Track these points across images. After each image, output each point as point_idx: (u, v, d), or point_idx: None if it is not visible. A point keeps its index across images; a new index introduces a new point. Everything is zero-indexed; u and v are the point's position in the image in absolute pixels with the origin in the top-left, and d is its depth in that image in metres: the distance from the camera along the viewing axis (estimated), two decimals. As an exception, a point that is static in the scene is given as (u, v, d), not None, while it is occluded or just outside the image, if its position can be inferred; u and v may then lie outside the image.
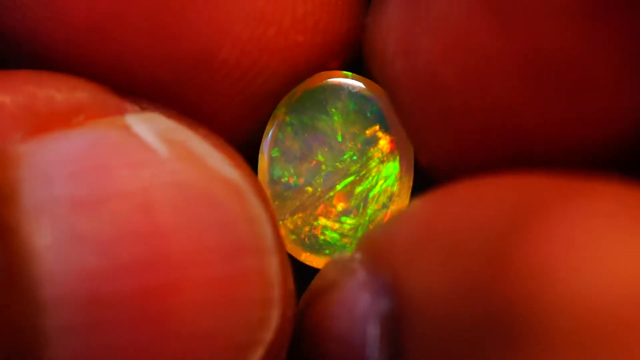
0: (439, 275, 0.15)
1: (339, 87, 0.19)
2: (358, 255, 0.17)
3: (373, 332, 0.16)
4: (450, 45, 0.17)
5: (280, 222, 0.20)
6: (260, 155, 0.20)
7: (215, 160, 0.17)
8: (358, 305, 0.17)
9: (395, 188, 0.19)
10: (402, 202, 0.19)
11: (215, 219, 0.16)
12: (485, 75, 0.17)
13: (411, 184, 0.19)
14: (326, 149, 0.20)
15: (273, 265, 0.17)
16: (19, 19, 0.18)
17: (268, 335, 0.17)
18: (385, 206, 0.19)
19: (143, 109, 0.17)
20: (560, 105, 0.16)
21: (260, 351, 0.17)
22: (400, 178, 0.19)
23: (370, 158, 0.19)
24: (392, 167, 0.19)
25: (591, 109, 0.16)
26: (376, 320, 0.16)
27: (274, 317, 0.17)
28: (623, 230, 0.14)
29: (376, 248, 0.17)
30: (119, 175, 0.16)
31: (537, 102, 0.17)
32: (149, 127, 0.17)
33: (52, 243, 0.15)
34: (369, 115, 0.19)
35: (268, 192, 0.20)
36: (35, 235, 0.15)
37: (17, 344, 0.15)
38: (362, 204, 0.19)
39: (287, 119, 0.20)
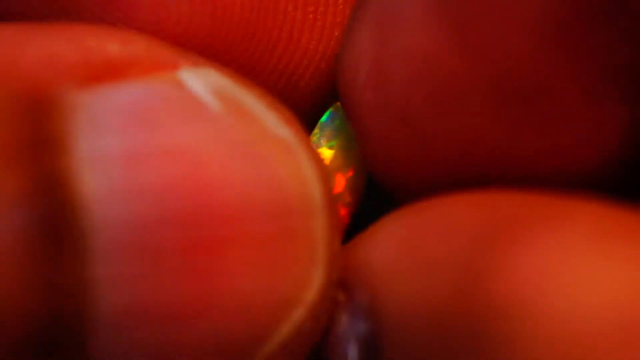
0: (414, 297, 0.15)
1: None
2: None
3: (352, 353, 0.16)
4: (419, 72, 0.17)
5: None
6: None
7: (268, 118, 0.17)
8: (337, 327, 0.17)
9: None
10: None
11: (265, 178, 0.16)
12: (453, 101, 0.17)
13: None
14: None
15: (319, 226, 0.17)
16: None
17: (310, 295, 0.17)
18: None
19: (196, 64, 0.17)
20: (528, 130, 0.16)
21: (301, 310, 0.17)
22: None
23: None
24: None
25: (560, 134, 0.16)
26: (355, 342, 0.16)
27: (317, 278, 0.17)
28: (596, 254, 0.14)
29: (353, 270, 0.17)
30: (172, 129, 0.16)
31: (505, 127, 0.17)
32: (202, 83, 0.17)
33: (104, 193, 0.15)
34: None
35: None
36: (88, 185, 0.15)
37: (64, 295, 0.15)
38: None
39: None
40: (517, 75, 0.16)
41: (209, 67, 0.17)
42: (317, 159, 0.17)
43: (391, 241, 0.17)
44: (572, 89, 0.16)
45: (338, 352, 0.17)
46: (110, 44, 0.17)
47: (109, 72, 0.17)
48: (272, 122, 0.17)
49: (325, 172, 0.18)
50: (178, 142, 0.16)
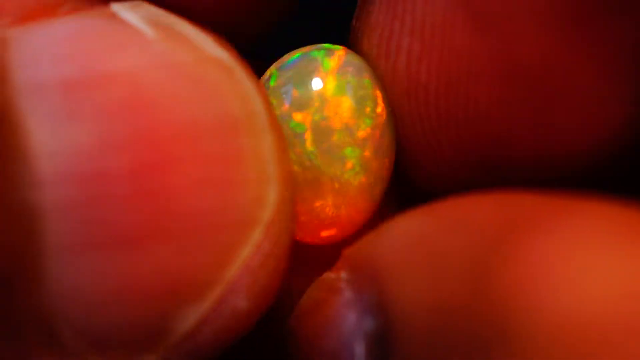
0: (424, 293, 0.15)
1: None
2: (344, 274, 0.17)
3: (360, 350, 0.16)
4: (428, 46, 0.17)
5: None
6: None
7: (203, 41, 0.17)
8: (345, 324, 0.17)
9: None
10: None
11: (207, 97, 0.16)
12: (461, 78, 0.17)
13: None
14: None
15: (267, 143, 0.17)
16: None
17: (266, 214, 0.17)
18: None
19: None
20: (533, 111, 0.17)
21: (258, 230, 0.16)
22: None
23: None
24: None
25: (567, 118, 0.17)
26: (362, 339, 0.16)
27: (271, 196, 0.17)
28: (602, 250, 0.14)
29: (361, 266, 0.17)
30: (107, 56, 0.16)
31: (511, 106, 0.17)
32: (135, 13, 0.17)
33: (46, 121, 0.15)
34: None
35: None
36: (29, 115, 0.15)
37: (12, 221, 0.15)
38: None
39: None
40: (527, 53, 0.16)
41: (138, 0, 0.17)
42: (257, 81, 0.17)
43: (401, 238, 0.17)
44: (583, 70, 0.16)
45: (345, 351, 0.16)
46: None
47: (41, 10, 0.17)
48: (207, 44, 0.17)
49: (265, 93, 0.18)
50: (115, 68, 0.16)
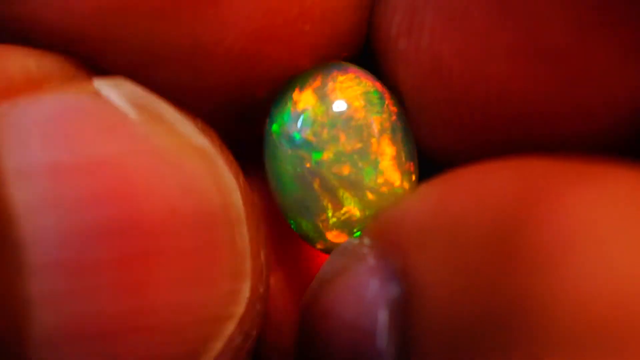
0: (447, 261, 0.15)
1: None
2: (367, 241, 0.17)
3: (382, 318, 0.16)
4: (452, 25, 0.17)
5: None
6: None
7: (185, 127, 0.17)
8: (368, 291, 0.16)
9: None
10: None
11: (186, 187, 0.16)
12: (483, 56, 0.17)
13: None
14: None
15: (243, 236, 0.16)
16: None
17: (239, 309, 0.16)
18: None
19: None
20: (557, 91, 0.17)
21: (231, 325, 0.16)
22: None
23: None
24: None
25: (589, 96, 0.17)
26: (385, 306, 0.16)
27: (245, 291, 0.16)
28: (628, 217, 0.14)
29: (385, 233, 0.17)
30: (92, 140, 0.16)
31: (534, 86, 0.17)
32: (117, 92, 0.16)
33: (33, 205, 0.15)
34: None
35: None
36: (17, 197, 0.15)
37: (3, 312, 0.15)
38: None
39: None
40: (550, 32, 0.16)
41: (122, 78, 0.17)
42: (236, 169, 0.17)
43: (424, 205, 0.16)
44: (605, 49, 0.16)
45: (367, 318, 0.16)
46: (26, 60, 0.17)
47: (27, 86, 0.16)
48: (189, 131, 0.17)
49: (244, 183, 0.17)
50: (99, 153, 0.15)
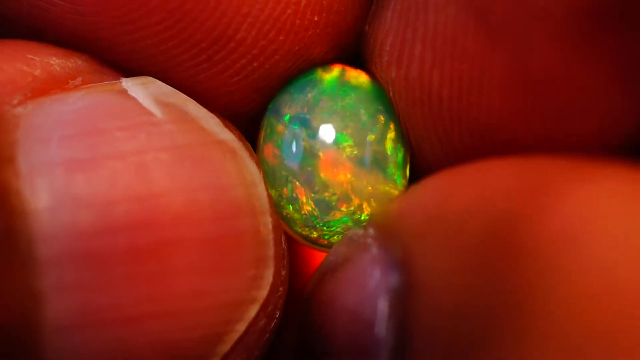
0: (447, 252, 0.15)
1: None
2: (371, 231, 0.18)
3: (382, 306, 0.16)
4: (441, 55, 0.17)
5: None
6: None
7: (210, 123, 0.17)
8: (370, 280, 0.17)
9: None
10: None
11: (210, 181, 0.17)
12: (474, 86, 0.17)
13: None
14: None
15: (267, 226, 0.17)
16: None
17: (262, 293, 0.17)
18: None
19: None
20: (548, 118, 0.17)
21: (254, 309, 0.17)
22: None
23: None
24: None
25: (579, 124, 0.17)
26: (386, 295, 0.16)
27: (268, 276, 0.17)
28: (626, 212, 0.14)
29: (388, 224, 0.17)
30: (115, 137, 0.16)
31: (525, 114, 0.17)
32: (144, 91, 0.17)
33: (49, 203, 0.15)
34: None
35: None
36: (33, 195, 0.15)
37: (14, 304, 0.15)
38: None
39: None
40: (541, 62, 0.16)
41: (148, 77, 0.18)
42: (257, 161, 0.18)
43: (426, 198, 0.17)
44: (595, 79, 0.16)
45: (368, 307, 0.17)
46: (52, 58, 0.17)
47: (52, 84, 0.17)
48: (214, 126, 0.17)
49: (263, 174, 0.18)
50: (122, 150, 0.16)
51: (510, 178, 0.16)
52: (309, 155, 0.19)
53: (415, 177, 0.20)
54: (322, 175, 0.19)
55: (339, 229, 0.19)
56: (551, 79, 0.16)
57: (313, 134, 0.19)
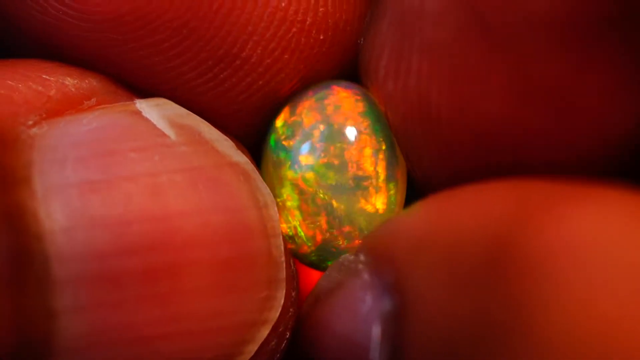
0: (440, 275, 0.15)
1: None
2: (362, 257, 0.18)
3: (376, 332, 0.16)
4: (439, 66, 0.17)
5: None
6: None
7: (223, 145, 0.17)
8: (362, 306, 0.17)
9: None
10: None
11: (224, 203, 0.17)
12: (474, 96, 0.17)
13: None
14: None
15: (279, 247, 0.17)
16: (35, 12, 0.18)
17: (274, 314, 0.17)
18: None
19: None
20: (550, 126, 0.17)
21: (266, 330, 0.17)
22: None
23: None
24: None
25: (581, 131, 0.17)
26: (379, 320, 0.16)
27: (280, 298, 0.17)
28: (619, 232, 0.14)
29: (379, 249, 0.17)
30: (129, 159, 0.16)
31: (527, 122, 0.17)
32: (159, 112, 0.17)
33: (64, 224, 0.16)
34: None
35: None
36: (48, 216, 0.16)
37: (29, 324, 0.15)
38: None
39: None
40: (543, 71, 0.16)
41: (162, 98, 0.18)
42: (267, 185, 0.18)
43: (418, 221, 0.17)
44: (596, 87, 0.16)
45: (361, 332, 0.17)
46: (67, 78, 0.18)
47: (67, 104, 0.17)
48: (227, 149, 0.17)
49: (274, 195, 0.18)
50: (136, 171, 0.16)
51: (504, 201, 0.16)
52: None
53: (413, 194, 0.20)
54: None
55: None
56: (552, 85, 0.16)
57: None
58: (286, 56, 0.19)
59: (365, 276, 0.17)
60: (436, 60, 0.17)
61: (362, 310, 0.17)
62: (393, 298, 0.16)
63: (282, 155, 0.19)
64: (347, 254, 0.19)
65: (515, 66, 0.16)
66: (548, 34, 0.16)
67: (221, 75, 0.18)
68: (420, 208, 0.17)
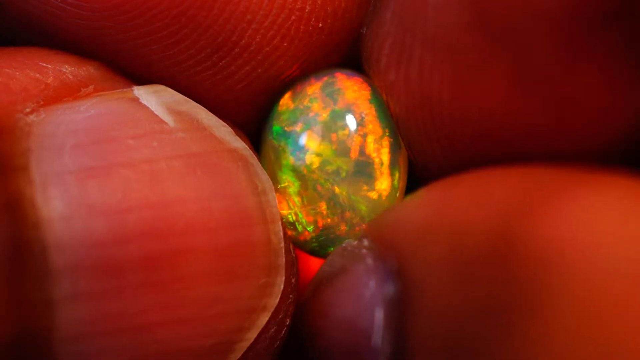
0: (444, 261, 0.15)
1: None
2: (366, 242, 0.18)
3: (379, 317, 0.16)
4: (441, 57, 0.17)
5: None
6: None
7: (221, 131, 0.17)
8: (365, 291, 0.17)
9: None
10: None
11: (223, 189, 0.17)
12: (475, 87, 0.17)
13: None
14: None
15: (278, 234, 0.17)
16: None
17: (273, 301, 0.17)
18: None
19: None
20: (550, 117, 0.17)
21: (265, 317, 0.17)
22: None
23: None
24: None
25: (578, 122, 0.17)
26: (381, 305, 0.16)
27: (279, 284, 0.17)
28: (624, 217, 0.14)
29: (383, 234, 0.17)
30: (127, 146, 0.16)
31: (528, 113, 0.17)
32: (156, 99, 0.17)
33: (63, 212, 0.16)
34: None
35: None
36: (46, 204, 0.16)
37: (29, 313, 0.15)
38: None
39: None
40: (543, 63, 0.16)
41: (160, 85, 0.18)
42: (267, 172, 0.18)
43: (422, 208, 0.17)
44: (596, 78, 0.16)
45: (364, 317, 0.17)
46: (64, 65, 0.17)
47: (65, 91, 0.17)
48: (226, 135, 0.17)
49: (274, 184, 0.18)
50: (135, 158, 0.16)
51: (508, 188, 0.16)
52: None
53: (414, 183, 0.20)
54: None
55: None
56: (552, 78, 0.16)
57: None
58: (285, 44, 0.19)
59: (369, 261, 0.17)
60: (438, 52, 0.17)
61: (365, 295, 0.17)
62: (396, 283, 0.16)
63: (283, 141, 0.19)
64: (350, 240, 0.19)
65: (516, 59, 0.16)
66: (548, 27, 0.16)
67: (220, 63, 0.18)
68: (424, 194, 0.17)
